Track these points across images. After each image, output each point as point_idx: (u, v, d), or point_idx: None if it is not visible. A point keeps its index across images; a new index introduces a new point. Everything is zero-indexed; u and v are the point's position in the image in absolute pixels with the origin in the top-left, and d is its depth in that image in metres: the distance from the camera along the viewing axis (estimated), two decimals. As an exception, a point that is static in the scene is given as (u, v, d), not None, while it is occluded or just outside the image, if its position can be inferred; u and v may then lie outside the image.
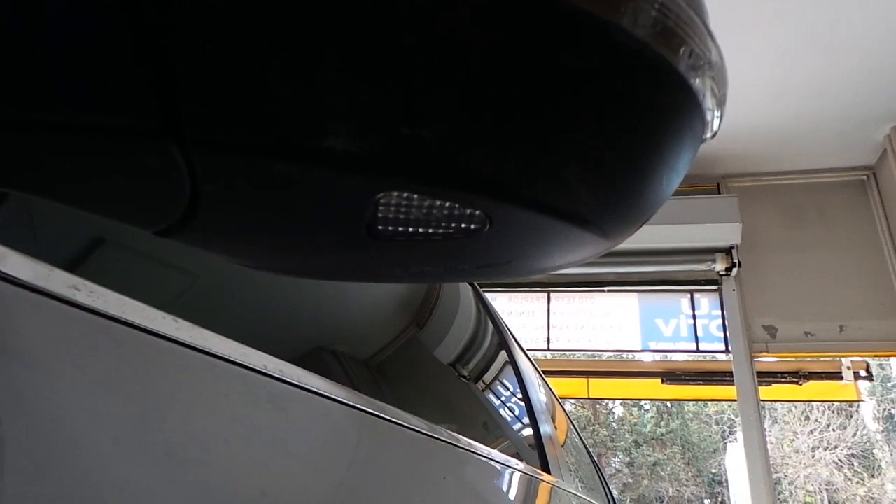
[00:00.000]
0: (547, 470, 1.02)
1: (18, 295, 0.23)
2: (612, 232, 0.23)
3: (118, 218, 0.21)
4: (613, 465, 17.19)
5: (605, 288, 4.85)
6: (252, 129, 0.17)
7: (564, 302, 4.96)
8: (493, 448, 0.80)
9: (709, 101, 0.24)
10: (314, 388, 0.39)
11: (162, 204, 0.19)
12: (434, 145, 0.18)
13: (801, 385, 4.81)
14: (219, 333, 0.33)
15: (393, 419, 0.47)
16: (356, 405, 0.43)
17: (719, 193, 4.62)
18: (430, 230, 0.21)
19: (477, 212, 0.20)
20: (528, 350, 5.00)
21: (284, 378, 0.36)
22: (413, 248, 0.21)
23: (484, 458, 0.66)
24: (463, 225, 0.21)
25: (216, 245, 0.22)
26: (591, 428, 16.54)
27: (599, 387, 5.55)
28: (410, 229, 0.21)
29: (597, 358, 5.67)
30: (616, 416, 17.38)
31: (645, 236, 4.38)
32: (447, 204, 0.20)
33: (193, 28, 0.16)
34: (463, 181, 0.19)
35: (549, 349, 4.96)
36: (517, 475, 0.79)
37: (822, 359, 4.54)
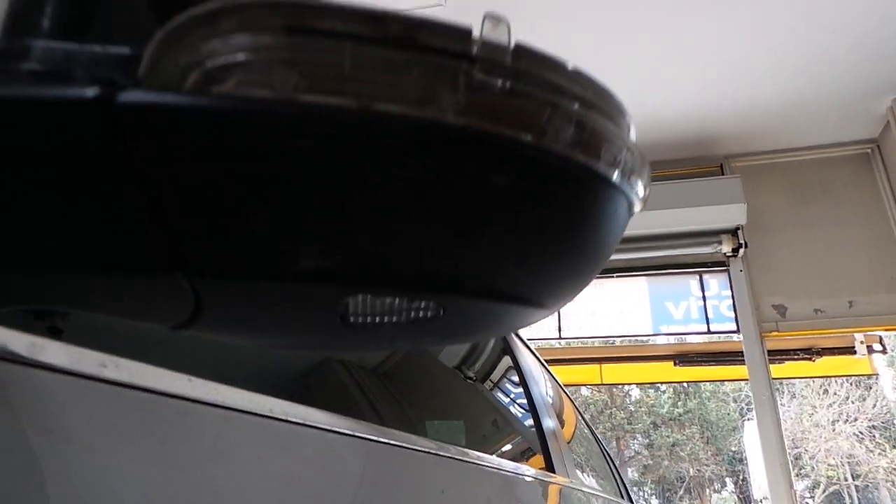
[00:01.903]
0: (552, 469, 1.06)
1: (58, 380, 0.27)
2: (551, 304, 0.27)
3: (139, 320, 0.25)
4: (632, 447, 17.25)
5: (614, 274, 4.87)
6: (241, 260, 0.21)
7: (574, 290, 4.98)
8: (493, 454, 0.84)
9: (632, 185, 0.28)
10: (315, 422, 0.44)
11: (173, 310, 0.24)
12: (386, 259, 0.22)
13: (814, 361, 4.83)
14: (224, 365, 0.37)
15: (389, 441, 0.52)
16: (354, 433, 0.48)
17: (722, 174, 4.62)
18: (394, 318, 0.25)
19: (431, 303, 0.24)
20: (540, 339, 4.98)
21: (289, 418, 0.41)
22: (382, 331, 0.26)
23: (483, 467, 0.71)
24: (421, 314, 0.25)
25: (220, 333, 0.26)
26: (608, 411, 16.59)
27: (612, 372, 5.59)
28: (377, 319, 0.25)
29: (609, 344, 5.71)
30: (633, 399, 17.41)
31: (649, 221, 4.40)
32: (405, 299, 0.24)
33: (197, 203, 0.20)
34: (413, 285, 0.23)
35: (560, 337, 5.00)
36: (519, 480, 0.83)
37: (834, 334, 4.54)
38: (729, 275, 4.48)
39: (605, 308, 4.92)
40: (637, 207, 0.29)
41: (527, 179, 0.24)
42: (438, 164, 0.22)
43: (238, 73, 0.20)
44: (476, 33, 0.23)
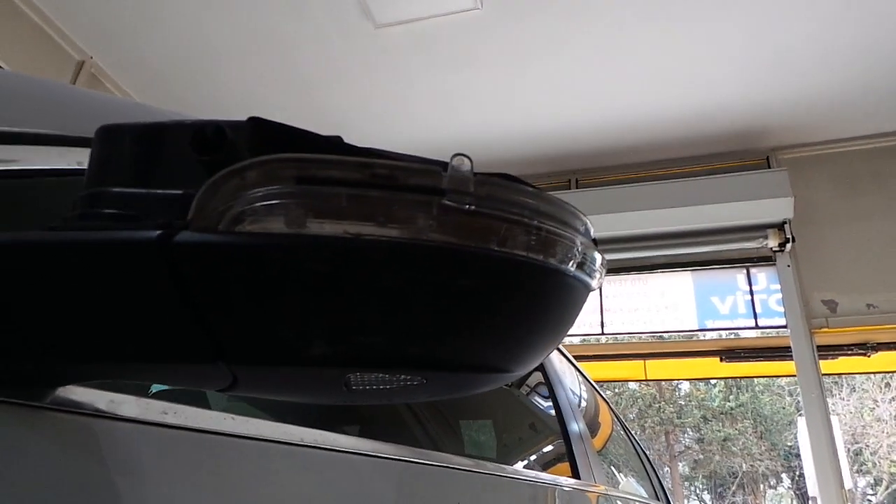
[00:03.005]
0: (577, 475, 1.11)
1: (132, 429, 0.35)
2: (520, 369, 0.33)
3: (192, 387, 0.32)
4: (683, 442, 16.96)
5: (658, 269, 4.83)
6: (266, 351, 0.28)
7: (617, 285, 4.97)
8: (515, 462, 0.90)
9: (586, 271, 0.33)
10: (342, 447, 0.51)
11: (216, 381, 0.31)
12: (376, 347, 0.29)
13: (869, 356, 4.68)
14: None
15: (408, 459, 0.59)
16: (377, 454, 0.55)
17: (769, 167, 4.52)
18: (387, 386, 0.32)
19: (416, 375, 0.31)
20: (582, 335, 4.95)
21: (318, 445, 0.48)
22: (378, 393, 0.32)
23: (499, 477, 0.77)
24: (408, 383, 0.31)
25: (253, 394, 0.33)
26: (657, 405, 16.35)
27: (657, 368, 5.54)
28: (373, 386, 0.31)
29: (656, 339, 5.65)
30: (682, 393, 17.10)
31: (693, 216, 4.35)
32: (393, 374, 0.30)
33: (233, 312, 0.27)
34: (398, 365, 0.30)
35: (603, 333, 4.99)
36: (537, 487, 0.88)
37: (891, 329, 4.40)
38: (777, 269, 4.39)
39: (648, 303, 4.88)
40: (594, 285, 0.35)
41: (491, 280, 0.30)
42: (416, 274, 0.28)
43: (261, 213, 0.27)
44: (449, 166, 0.29)
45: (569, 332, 0.35)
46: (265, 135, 0.30)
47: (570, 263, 0.32)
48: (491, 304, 0.30)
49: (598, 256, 0.34)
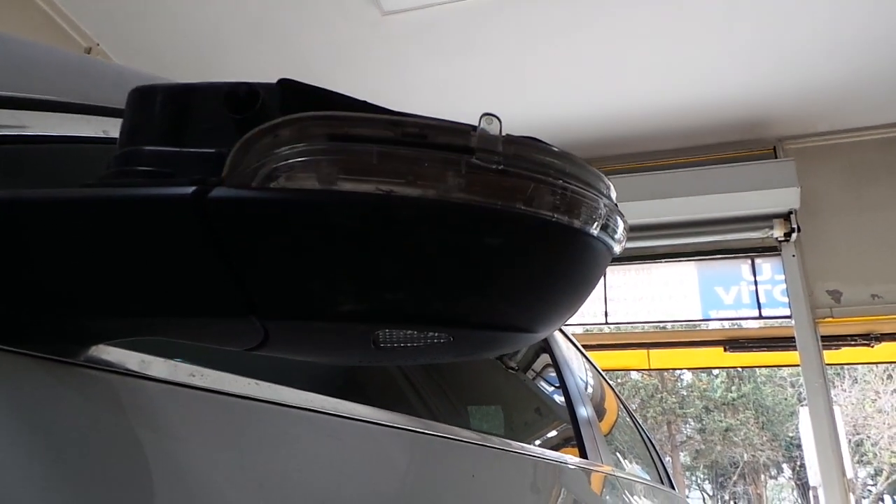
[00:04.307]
0: (584, 456, 1.12)
1: (161, 388, 0.36)
2: (544, 331, 0.34)
3: (223, 346, 0.33)
4: (685, 432, 17.00)
5: (662, 259, 4.83)
6: (297, 306, 0.29)
7: (621, 275, 4.97)
8: (525, 441, 0.91)
9: (610, 233, 0.34)
10: (359, 416, 0.51)
11: (247, 339, 0.31)
12: (405, 303, 0.29)
13: (872, 347, 4.68)
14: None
15: (423, 430, 0.59)
16: (393, 424, 0.55)
17: (776, 157, 4.51)
18: (414, 344, 0.32)
19: (442, 333, 0.31)
20: (586, 324, 4.96)
21: (338, 413, 0.49)
22: (406, 352, 0.33)
23: (510, 452, 0.77)
24: (435, 340, 0.32)
25: (282, 354, 0.34)
26: (659, 396, 16.36)
27: (660, 357, 5.55)
28: (400, 344, 0.32)
29: (659, 329, 5.65)
30: (684, 383, 17.11)
31: (699, 206, 4.34)
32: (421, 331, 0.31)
33: (266, 267, 0.28)
34: (425, 322, 0.30)
35: (606, 322, 5.00)
36: (545, 463, 0.89)
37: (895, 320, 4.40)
38: (782, 260, 4.39)
39: (653, 293, 4.88)
40: (617, 249, 0.35)
41: (517, 238, 0.30)
42: (444, 231, 0.29)
43: (294, 170, 0.28)
44: (477, 127, 0.30)
45: (590, 296, 0.35)
46: (296, 95, 0.31)
47: (595, 225, 0.32)
48: (516, 263, 0.30)
49: (620, 221, 0.35)
